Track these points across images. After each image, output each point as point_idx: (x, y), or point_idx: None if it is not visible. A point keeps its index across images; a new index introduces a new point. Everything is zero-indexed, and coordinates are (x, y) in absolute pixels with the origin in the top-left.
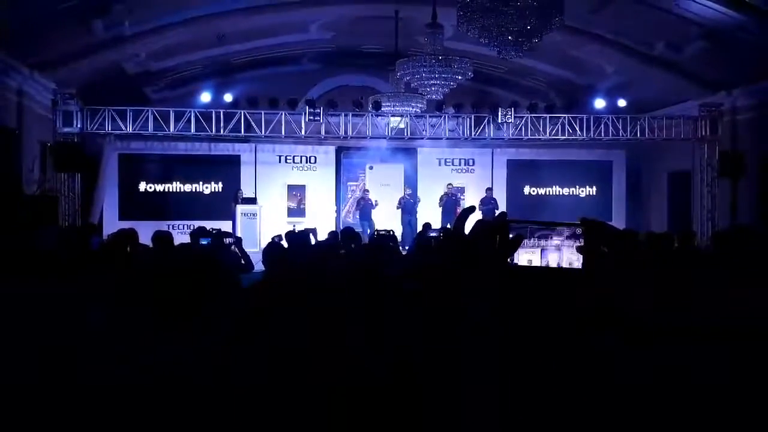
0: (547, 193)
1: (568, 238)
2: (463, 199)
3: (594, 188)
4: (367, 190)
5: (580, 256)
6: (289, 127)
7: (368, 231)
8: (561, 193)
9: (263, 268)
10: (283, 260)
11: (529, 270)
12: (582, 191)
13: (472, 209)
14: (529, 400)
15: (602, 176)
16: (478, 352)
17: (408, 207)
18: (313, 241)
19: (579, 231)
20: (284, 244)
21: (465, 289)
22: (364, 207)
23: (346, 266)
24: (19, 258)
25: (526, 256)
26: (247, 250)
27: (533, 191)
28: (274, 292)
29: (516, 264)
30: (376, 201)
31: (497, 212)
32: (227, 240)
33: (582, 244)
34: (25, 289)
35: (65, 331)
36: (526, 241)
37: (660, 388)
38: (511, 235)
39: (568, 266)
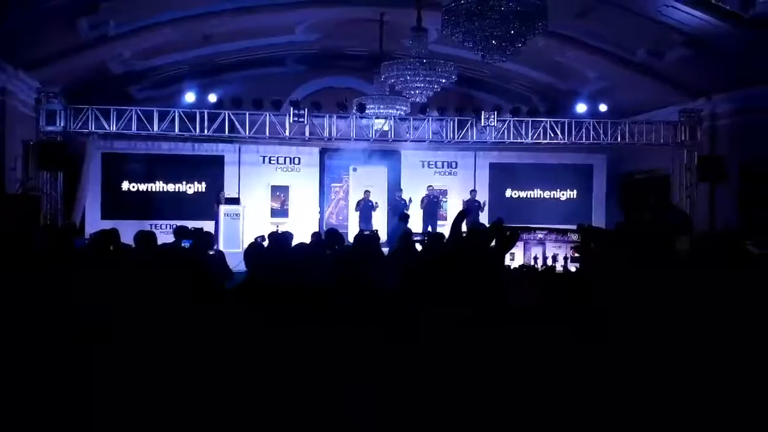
0: (529, 196)
1: (551, 233)
2: (445, 201)
3: (575, 191)
4: (368, 191)
5: (563, 249)
6: (273, 128)
7: None
8: (542, 197)
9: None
10: (265, 261)
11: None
12: (563, 194)
13: (466, 213)
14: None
15: (583, 180)
16: (467, 346)
17: (398, 208)
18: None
19: (569, 232)
20: (266, 244)
21: (456, 288)
22: (365, 209)
23: (330, 267)
24: (19, 258)
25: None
26: (229, 250)
27: (515, 194)
28: (257, 293)
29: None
30: (376, 203)
31: (481, 214)
32: (210, 252)
33: (578, 244)
34: (27, 286)
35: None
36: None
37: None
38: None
39: (551, 259)
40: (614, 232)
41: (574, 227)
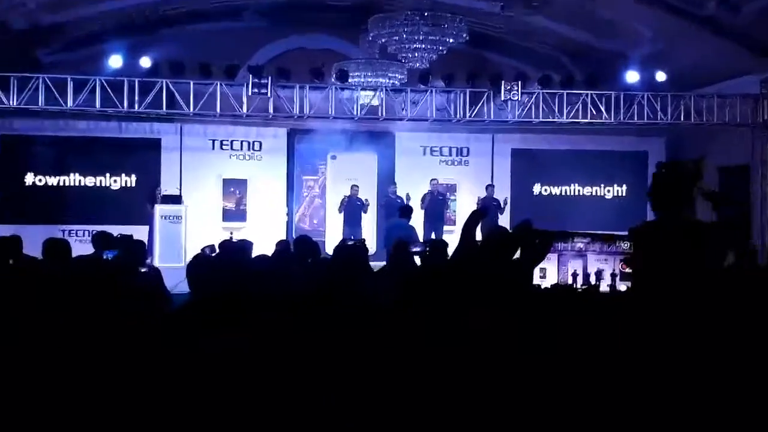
0: (564, 193)
1: (594, 241)
2: (454, 199)
3: (624, 187)
4: (356, 186)
5: (611, 263)
6: (225, 103)
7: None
8: (582, 194)
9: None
10: (215, 278)
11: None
12: (608, 191)
13: (483, 213)
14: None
15: (635, 171)
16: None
17: (392, 206)
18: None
19: (618, 240)
20: (217, 256)
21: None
22: (351, 209)
23: (303, 285)
24: None
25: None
26: (168, 265)
27: (545, 191)
28: (203, 318)
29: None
30: (366, 200)
31: (500, 216)
32: (142, 269)
33: (629, 254)
34: None
35: None
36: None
37: None
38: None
39: (595, 276)
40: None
41: (625, 233)
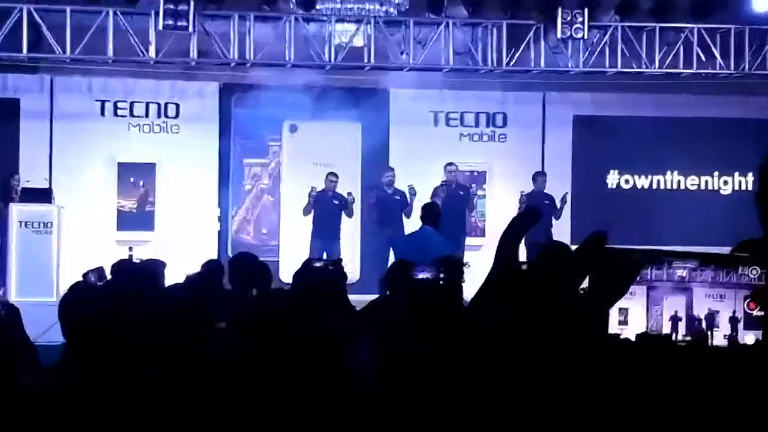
0: (657, 186)
1: (704, 265)
2: (482, 195)
3: (749, 177)
4: (334, 175)
5: (730, 300)
6: (123, 43)
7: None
8: (684, 188)
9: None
10: (104, 320)
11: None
12: (725, 183)
13: (530, 218)
14: None
15: (765, 152)
16: None
17: (387, 206)
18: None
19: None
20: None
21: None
22: (324, 210)
23: (243, 326)
24: None
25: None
26: (35, 299)
27: (626, 182)
28: (88, 372)
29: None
30: (350, 195)
31: (555, 222)
32: None
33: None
34: None
35: None
36: None
37: None
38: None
39: (706, 322)
40: None
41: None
